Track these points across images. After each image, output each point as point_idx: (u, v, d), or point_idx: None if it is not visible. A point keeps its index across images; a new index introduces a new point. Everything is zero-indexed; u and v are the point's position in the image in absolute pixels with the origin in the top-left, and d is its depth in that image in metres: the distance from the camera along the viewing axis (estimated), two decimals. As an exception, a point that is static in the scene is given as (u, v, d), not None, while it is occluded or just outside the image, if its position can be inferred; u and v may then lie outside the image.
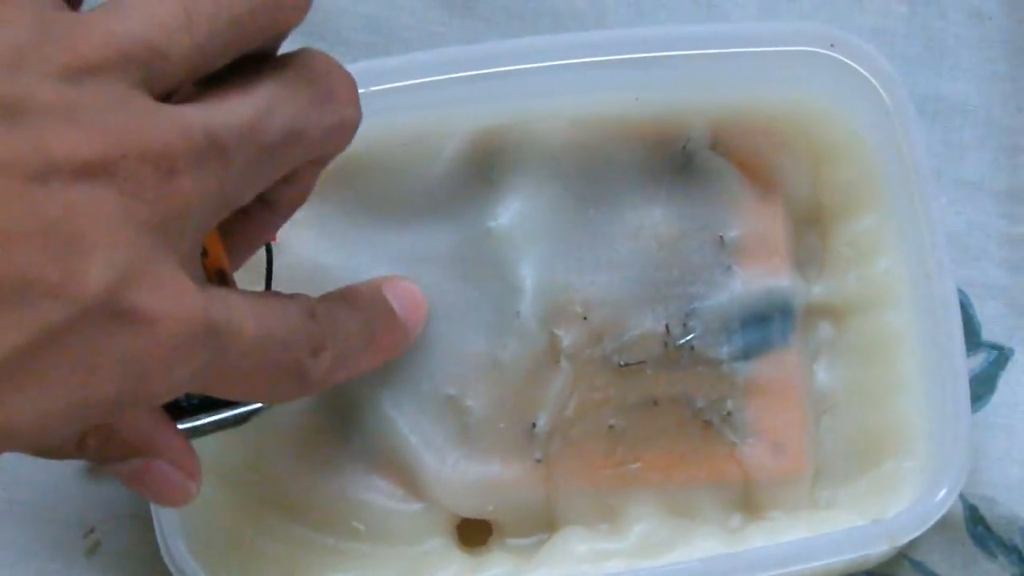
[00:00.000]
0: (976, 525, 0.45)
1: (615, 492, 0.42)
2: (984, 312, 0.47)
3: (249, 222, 0.35)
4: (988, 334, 0.46)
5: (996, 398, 0.46)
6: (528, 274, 0.42)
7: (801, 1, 0.48)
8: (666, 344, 0.42)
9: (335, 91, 0.33)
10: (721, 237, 0.43)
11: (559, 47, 0.42)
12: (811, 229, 0.44)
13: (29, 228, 0.26)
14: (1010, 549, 0.45)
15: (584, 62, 0.42)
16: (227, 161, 0.30)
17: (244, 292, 0.33)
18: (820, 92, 0.43)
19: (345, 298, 0.37)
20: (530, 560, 0.41)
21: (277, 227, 0.36)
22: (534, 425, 0.42)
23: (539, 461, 0.42)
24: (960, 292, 0.45)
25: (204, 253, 0.34)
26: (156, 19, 0.29)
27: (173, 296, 0.28)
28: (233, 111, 0.30)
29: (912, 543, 0.44)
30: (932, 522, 0.40)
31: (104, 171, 0.27)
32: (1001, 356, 0.46)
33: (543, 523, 0.42)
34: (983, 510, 0.45)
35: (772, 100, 0.43)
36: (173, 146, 0.28)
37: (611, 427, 0.42)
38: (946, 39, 0.48)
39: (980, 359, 0.46)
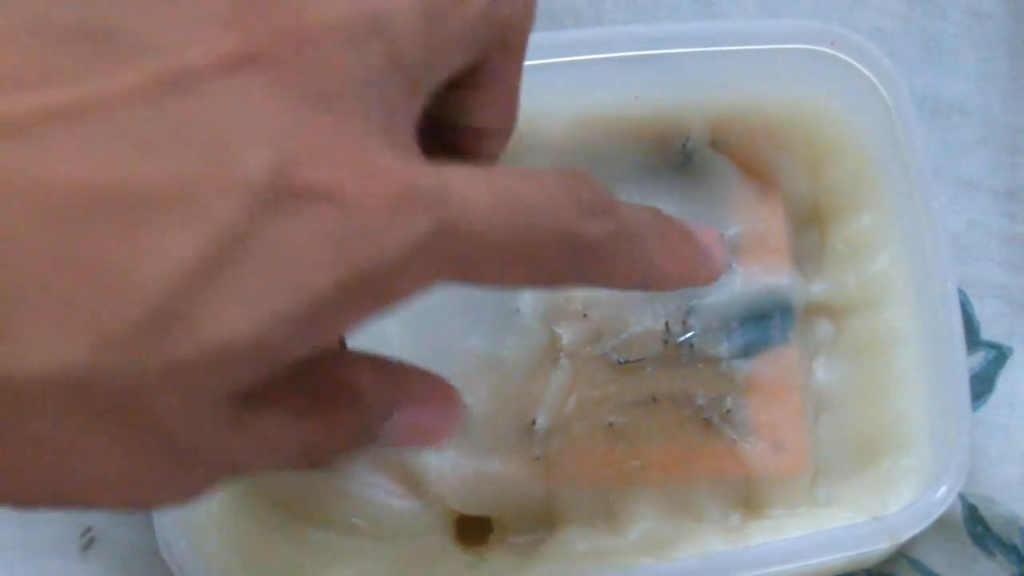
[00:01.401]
0: (975, 524, 0.45)
1: (615, 490, 0.42)
2: (983, 311, 0.47)
3: (462, 155, 0.32)
4: (987, 333, 0.46)
5: (995, 397, 0.46)
6: (528, 272, 0.42)
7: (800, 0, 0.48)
8: (666, 342, 0.42)
9: None
10: (721, 235, 0.43)
11: (559, 45, 0.42)
12: (811, 227, 0.45)
13: (175, 134, 0.24)
14: (1009, 548, 0.45)
15: (584, 60, 0.42)
16: (384, 29, 0.27)
17: (477, 167, 0.28)
18: (820, 90, 0.43)
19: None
20: (530, 557, 0.41)
21: (495, 154, 0.33)
22: (534, 422, 0.42)
23: (539, 458, 0.42)
24: (959, 291, 0.45)
25: None
26: None
27: (358, 165, 0.25)
28: None
29: (911, 542, 0.44)
30: (932, 519, 0.40)
31: (242, 60, 0.25)
32: (1000, 355, 0.46)
33: (542, 520, 0.42)
34: (982, 509, 0.45)
35: (772, 98, 0.43)
36: (312, 24, 0.26)
37: (611, 425, 0.42)
38: (945, 38, 0.48)
39: (979, 358, 0.46)
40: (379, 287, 0.25)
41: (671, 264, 0.32)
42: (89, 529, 0.44)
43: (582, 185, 0.29)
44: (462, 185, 0.26)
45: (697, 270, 0.33)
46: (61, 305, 0.23)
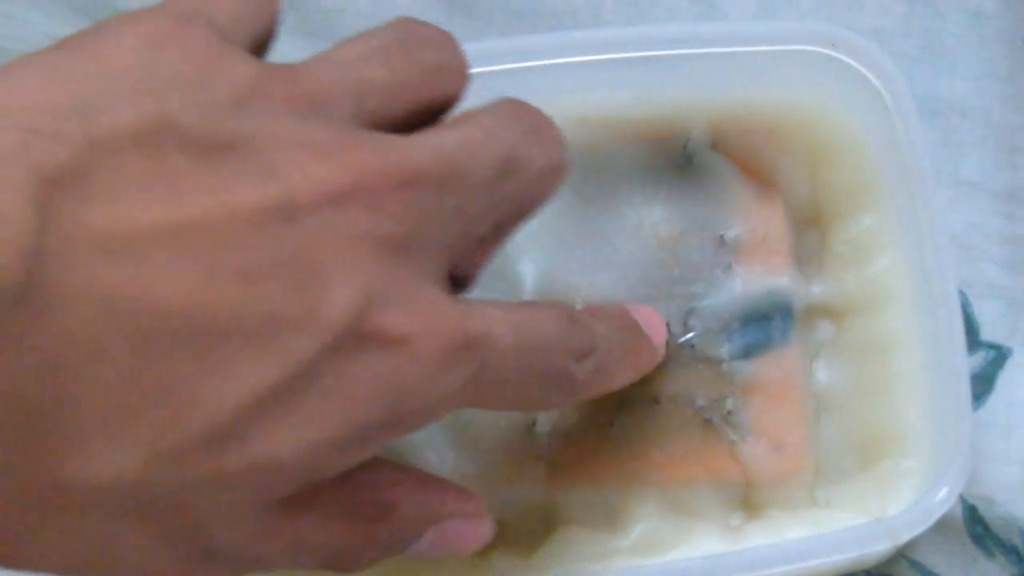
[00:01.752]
0: (975, 525, 0.45)
1: (615, 490, 0.42)
2: (983, 312, 0.47)
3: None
4: (987, 334, 0.46)
5: (994, 398, 0.46)
6: (528, 272, 0.42)
7: (799, 0, 0.48)
8: (667, 343, 0.42)
9: (543, 127, 0.33)
10: (721, 236, 0.43)
11: (559, 46, 0.42)
12: (811, 228, 0.45)
13: (272, 263, 0.26)
14: (1009, 549, 0.45)
15: (584, 61, 0.42)
16: (460, 179, 0.29)
17: (497, 302, 0.32)
18: (821, 92, 0.43)
19: (594, 313, 0.36)
20: (530, 559, 0.41)
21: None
22: (535, 423, 0.42)
23: (540, 459, 0.42)
24: (959, 291, 0.45)
25: None
26: (360, 62, 0.30)
27: (426, 312, 0.28)
28: (456, 135, 0.30)
29: (911, 543, 0.44)
30: (933, 521, 0.40)
31: (343, 197, 0.27)
32: (1000, 356, 0.46)
33: (543, 521, 0.42)
34: (982, 510, 0.45)
35: (773, 99, 0.43)
36: (408, 166, 0.28)
37: (612, 425, 0.42)
38: (945, 39, 0.48)
39: (979, 359, 0.46)
40: (417, 421, 0.29)
41: (628, 375, 0.38)
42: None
43: (572, 331, 0.33)
44: (497, 329, 0.30)
45: (645, 367, 0.39)
46: (128, 419, 0.25)
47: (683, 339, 0.43)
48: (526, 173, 0.32)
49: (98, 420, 0.24)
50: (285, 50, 0.47)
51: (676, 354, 0.43)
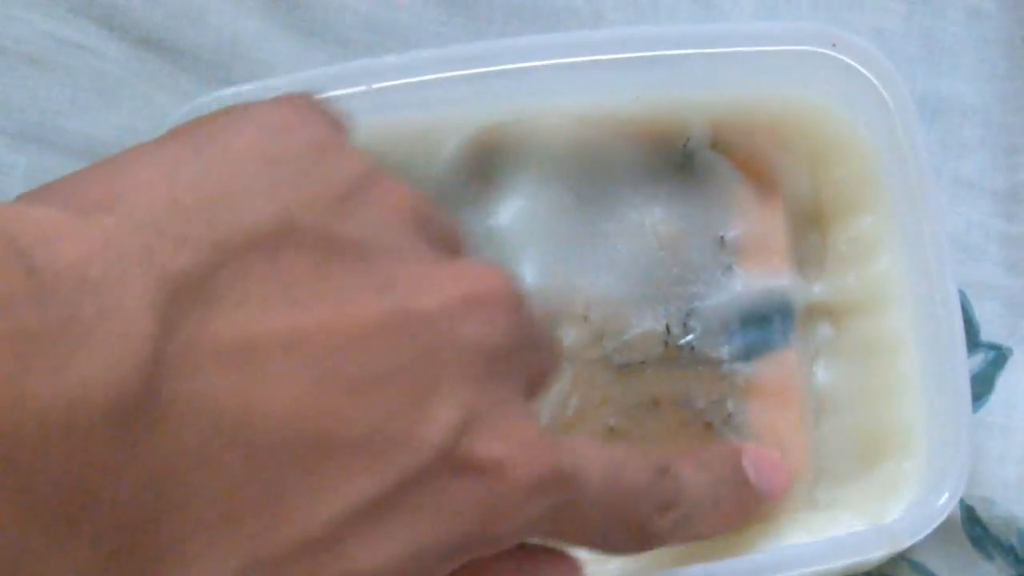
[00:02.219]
0: (973, 526, 0.45)
1: (615, 492, 0.42)
2: (982, 312, 0.46)
3: None
4: (986, 334, 0.46)
5: (994, 398, 0.46)
6: (528, 273, 0.42)
7: (799, 1, 0.48)
8: (666, 344, 0.42)
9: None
10: (721, 237, 0.43)
11: (559, 46, 0.42)
12: (811, 229, 0.44)
13: (381, 375, 0.26)
14: (1007, 550, 0.45)
15: (584, 61, 0.42)
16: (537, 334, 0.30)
17: (591, 440, 0.32)
18: (821, 92, 0.43)
19: (700, 458, 0.36)
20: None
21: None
22: (534, 425, 0.42)
23: (539, 461, 0.42)
24: (959, 292, 0.45)
25: None
26: None
27: (521, 442, 0.28)
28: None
29: (910, 544, 0.44)
30: (934, 526, 0.40)
31: (459, 311, 0.27)
32: (999, 356, 0.46)
33: (543, 523, 0.42)
34: (980, 511, 0.45)
35: (772, 99, 0.43)
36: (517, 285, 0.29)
37: (611, 427, 0.42)
38: (945, 38, 0.48)
39: (978, 359, 0.46)
40: (499, 544, 0.29)
41: (717, 527, 0.37)
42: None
43: (660, 483, 0.33)
44: (587, 467, 0.30)
45: (743, 519, 0.39)
46: (228, 527, 0.25)
47: (683, 340, 0.43)
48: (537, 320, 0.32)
49: (200, 528, 0.24)
50: (285, 50, 0.47)
51: (676, 355, 0.43)
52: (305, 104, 0.29)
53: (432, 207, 0.30)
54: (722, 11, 0.48)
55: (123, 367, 0.23)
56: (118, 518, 0.24)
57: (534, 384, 0.31)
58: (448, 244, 0.30)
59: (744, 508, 0.38)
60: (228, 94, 0.41)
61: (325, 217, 0.26)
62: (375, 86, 0.41)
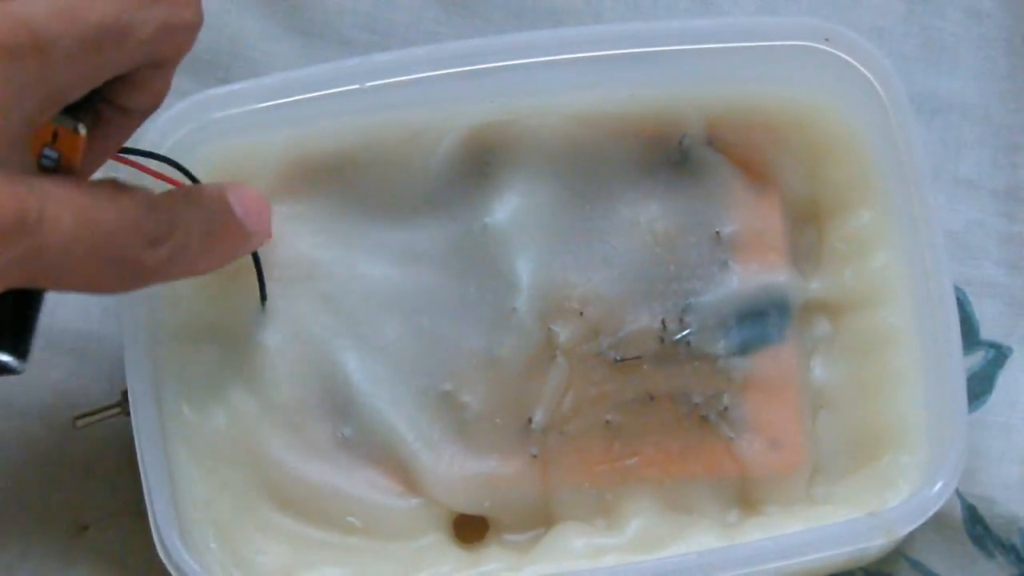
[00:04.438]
0: (975, 525, 0.45)
1: (612, 487, 0.42)
2: (982, 311, 0.46)
3: (104, 125, 0.35)
4: (986, 333, 0.46)
5: (994, 397, 0.46)
6: (524, 270, 0.42)
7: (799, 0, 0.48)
8: (662, 340, 0.42)
9: None
10: (717, 233, 0.43)
11: (555, 43, 0.42)
12: (808, 225, 0.44)
13: None
14: (1008, 549, 0.45)
15: (580, 57, 0.42)
16: (44, 51, 0.30)
17: (75, 183, 0.32)
18: (817, 88, 0.43)
19: (188, 195, 0.37)
20: (526, 555, 0.41)
21: (131, 131, 0.36)
22: (530, 421, 0.42)
23: (535, 457, 0.42)
24: (958, 290, 0.45)
25: (54, 139, 0.33)
26: None
27: None
28: (46, 2, 0.30)
29: (911, 542, 0.44)
30: (929, 515, 0.40)
31: None
32: (999, 355, 0.46)
33: (540, 519, 0.42)
34: (982, 510, 0.45)
35: (769, 96, 0.43)
36: None
37: (607, 422, 0.42)
38: (944, 37, 0.48)
39: (978, 358, 0.46)
40: None
41: (213, 260, 0.38)
42: (87, 527, 0.44)
43: (147, 217, 0.34)
44: (55, 211, 0.30)
45: (233, 252, 0.39)
46: None
47: (679, 336, 0.43)
48: (133, 38, 0.31)
49: None
50: (285, 50, 0.47)
51: (672, 351, 0.43)
52: None
53: None
54: (719, 7, 0.48)
55: None
56: None
57: (64, 133, 0.32)
58: None
59: (233, 242, 0.38)
60: (223, 92, 0.41)
61: None
62: (369, 84, 0.41)
